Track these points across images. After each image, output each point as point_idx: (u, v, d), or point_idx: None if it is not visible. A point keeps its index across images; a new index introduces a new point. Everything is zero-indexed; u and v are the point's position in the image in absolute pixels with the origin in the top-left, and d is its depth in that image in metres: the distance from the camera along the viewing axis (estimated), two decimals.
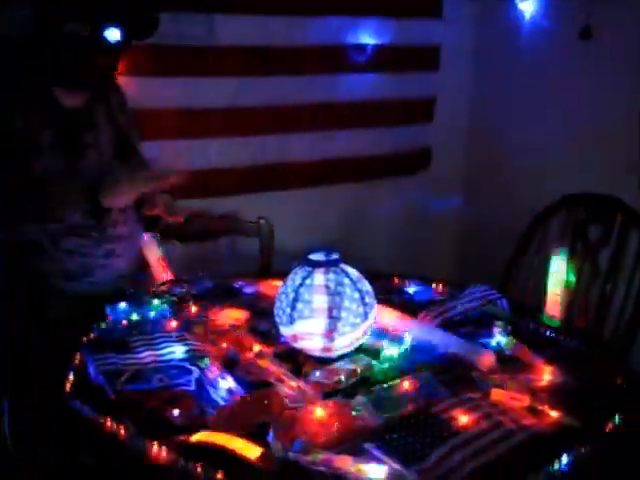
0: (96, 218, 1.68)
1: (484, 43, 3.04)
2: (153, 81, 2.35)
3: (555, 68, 2.74)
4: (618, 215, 2.03)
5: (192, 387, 1.28)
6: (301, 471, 1.05)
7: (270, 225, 2.21)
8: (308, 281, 1.37)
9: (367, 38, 2.80)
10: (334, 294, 1.35)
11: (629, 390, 1.32)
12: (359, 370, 1.34)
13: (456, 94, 3.09)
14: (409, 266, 2.12)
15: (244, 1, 2.50)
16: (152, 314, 1.58)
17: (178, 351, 1.39)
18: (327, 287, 1.35)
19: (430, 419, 1.17)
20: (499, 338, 1.47)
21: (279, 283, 1.47)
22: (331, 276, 1.36)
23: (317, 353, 1.38)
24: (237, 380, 1.30)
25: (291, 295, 1.37)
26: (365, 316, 1.37)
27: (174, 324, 1.54)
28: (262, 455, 1.07)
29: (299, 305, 1.36)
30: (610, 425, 1.19)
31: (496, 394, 1.25)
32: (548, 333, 1.56)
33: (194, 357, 1.37)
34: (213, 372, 1.32)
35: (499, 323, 1.50)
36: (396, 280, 1.83)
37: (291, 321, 1.36)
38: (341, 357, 1.38)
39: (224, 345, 1.45)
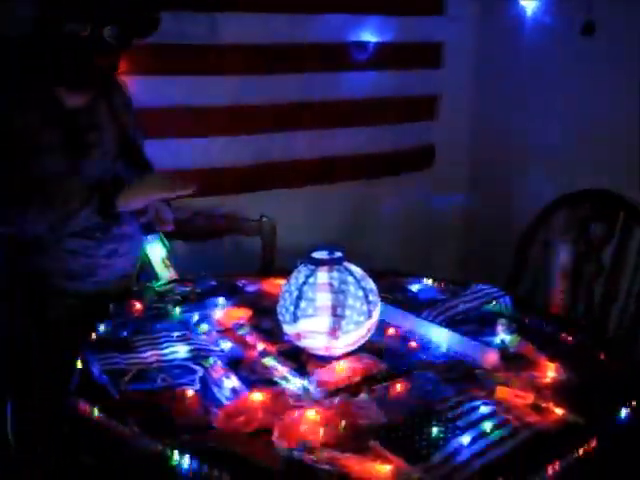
0: (105, 218, 1.68)
1: (487, 40, 3.03)
2: (155, 80, 2.35)
3: (558, 65, 2.73)
4: (621, 212, 2.03)
5: (196, 386, 1.28)
6: (306, 470, 1.05)
7: (272, 223, 2.21)
8: (312, 279, 1.36)
9: (370, 36, 2.79)
10: (338, 292, 1.35)
11: (634, 386, 1.31)
12: (363, 368, 1.34)
13: (459, 92, 3.08)
14: (411, 265, 2.12)
15: None
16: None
17: (182, 350, 1.40)
18: (331, 285, 1.35)
19: (434, 417, 1.17)
20: (503, 336, 1.47)
21: (282, 281, 1.47)
22: (335, 274, 1.36)
23: (321, 351, 1.38)
24: (241, 379, 1.30)
25: (295, 293, 1.37)
26: (369, 314, 1.37)
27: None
28: (267, 454, 1.07)
29: (303, 303, 1.36)
30: (615, 421, 1.19)
31: (500, 392, 1.25)
32: (552, 330, 1.56)
33: (198, 356, 1.37)
34: (217, 371, 1.32)
35: (503, 321, 1.50)
36: (400, 278, 1.83)
37: (295, 319, 1.36)
38: (345, 355, 1.38)
39: (228, 344, 1.45)
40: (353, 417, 1.18)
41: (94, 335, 1.48)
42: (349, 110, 2.83)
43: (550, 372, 1.33)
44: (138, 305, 1.63)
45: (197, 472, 1.05)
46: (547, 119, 2.81)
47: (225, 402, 1.23)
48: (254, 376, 1.33)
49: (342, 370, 1.33)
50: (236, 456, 1.07)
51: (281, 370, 1.33)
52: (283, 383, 1.29)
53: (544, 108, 2.82)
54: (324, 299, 1.34)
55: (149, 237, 1.89)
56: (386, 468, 1.05)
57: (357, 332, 1.36)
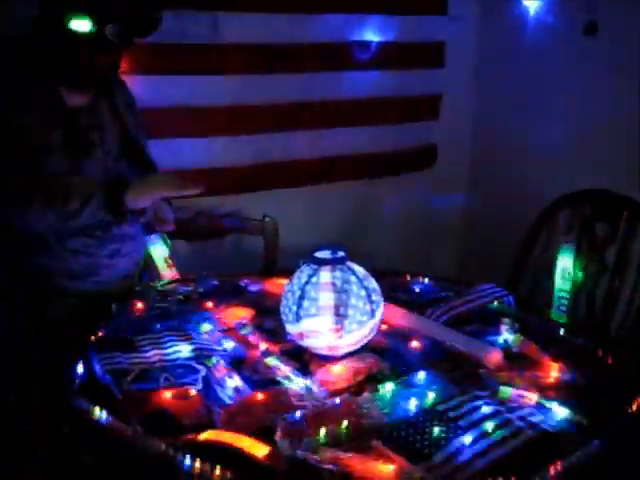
0: (115, 215, 1.67)
1: (489, 40, 3.02)
2: (156, 79, 2.34)
3: (559, 65, 2.73)
4: (624, 211, 2.02)
5: (199, 386, 1.28)
6: (309, 469, 1.05)
7: (274, 223, 2.21)
8: (314, 279, 1.36)
9: (371, 35, 2.78)
10: (340, 292, 1.34)
11: (638, 386, 1.31)
12: (366, 368, 1.34)
13: (460, 91, 3.08)
14: (412, 264, 2.12)
15: None
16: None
17: (184, 350, 1.39)
18: (334, 285, 1.35)
19: (437, 417, 1.17)
20: (506, 335, 1.47)
21: (284, 281, 1.47)
22: (337, 274, 1.36)
23: (324, 351, 1.38)
24: (244, 379, 1.30)
25: (297, 293, 1.37)
26: (372, 314, 1.36)
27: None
28: (270, 454, 1.06)
29: (305, 303, 1.35)
30: (618, 421, 1.19)
31: (504, 391, 1.24)
32: (556, 330, 1.56)
33: (200, 356, 1.37)
34: (220, 371, 1.32)
35: (506, 320, 1.50)
36: (403, 278, 1.83)
37: (297, 319, 1.36)
38: (348, 355, 1.38)
39: (230, 343, 1.44)
40: (356, 417, 1.18)
41: (97, 335, 1.48)
42: (350, 110, 2.82)
43: (553, 372, 1.33)
44: (140, 305, 1.62)
45: (199, 472, 1.04)
46: (548, 119, 2.81)
47: (228, 402, 1.23)
48: (257, 376, 1.32)
49: (345, 370, 1.33)
50: (239, 456, 1.07)
51: (284, 370, 1.33)
52: (286, 383, 1.29)
53: (545, 108, 2.82)
54: (327, 299, 1.34)
55: (151, 237, 1.89)
56: (388, 468, 1.04)
57: (360, 332, 1.36)
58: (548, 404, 1.22)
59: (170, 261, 1.88)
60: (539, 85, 2.82)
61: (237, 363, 1.37)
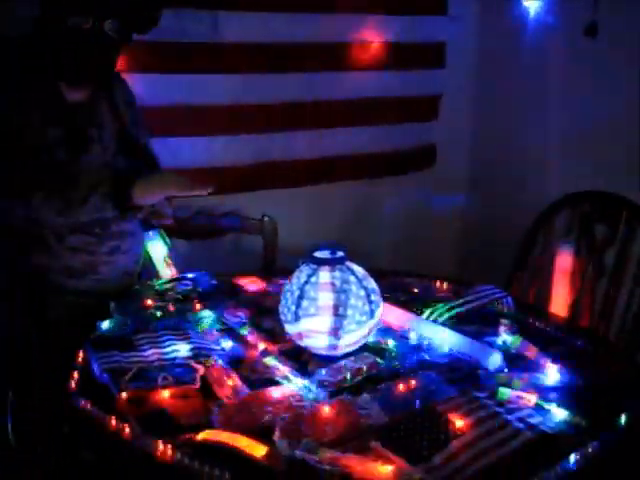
0: (122, 210, 1.67)
1: (489, 40, 3.02)
2: (156, 78, 2.34)
3: (560, 65, 2.73)
4: (623, 212, 2.02)
5: (197, 385, 1.27)
6: (307, 470, 1.04)
7: (274, 223, 2.20)
8: (313, 279, 1.36)
9: (372, 35, 2.78)
10: (340, 292, 1.34)
11: (637, 388, 1.31)
12: (365, 368, 1.34)
13: (460, 92, 3.08)
14: (411, 264, 2.12)
15: None
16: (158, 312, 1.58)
17: (183, 349, 1.39)
18: (333, 285, 1.35)
19: (436, 418, 1.17)
20: (505, 336, 1.46)
21: (284, 281, 1.46)
22: (337, 274, 1.36)
23: (322, 351, 1.38)
24: (242, 378, 1.30)
25: (296, 293, 1.37)
26: (371, 314, 1.36)
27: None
28: (268, 454, 1.06)
29: (304, 303, 1.35)
30: (617, 423, 1.19)
31: (503, 393, 1.24)
32: (554, 331, 1.55)
33: (199, 355, 1.37)
34: (218, 370, 1.31)
35: (505, 321, 1.50)
36: (402, 278, 1.83)
37: (296, 319, 1.36)
38: (347, 355, 1.38)
39: (229, 343, 1.44)
40: (354, 417, 1.17)
41: (95, 333, 1.48)
42: (350, 110, 2.82)
43: (552, 373, 1.33)
44: (139, 303, 1.62)
45: (198, 472, 1.04)
46: (548, 119, 2.81)
47: (226, 401, 1.23)
48: (255, 375, 1.32)
49: (344, 370, 1.33)
50: (237, 456, 1.07)
51: (282, 370, 1.32)
52: (284, 383, 1.29)
53: (545, 108, 2.81)
54: (326, 298, 1.34)
55: (150, 234, 1.89)
56: (387, 468, 1.04)
57: (359, 332, 1.36)
58: (547, 405, 1.22)
59: (169, 260, 1.88)
60: (539, 85, 2.82)
61: (235, 363, 1.37)
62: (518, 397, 1.23)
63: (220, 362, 1.35)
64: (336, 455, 1.06)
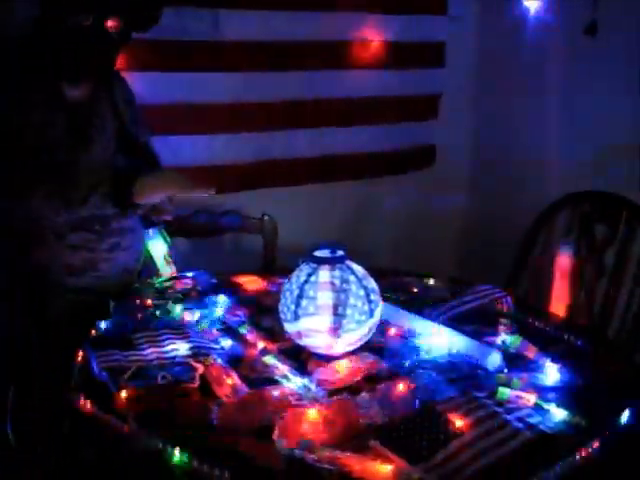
0: (123, 208, 1.66)
1: (489, 40, 3.02)
2: (156, 76, 2.34)
3: (560, 65, 2.73)
4: (623, 212, 2.02)
5: (196, 384, 1.27)
6: (306, 469, 1.04)
7: (274, 222, 2.20)
8: (313, 278, 1.36)
9: (372, 34, 2.78)
10: (339, 291, 1.34)
11: (636, 388, 1.31)
12: (364, 368, 1.33)
13: (460, 91, 3.08)
14: (411, 264, 2.11)
15: None
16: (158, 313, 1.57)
17: (182, 348, 1.39)
18: (332, 284, 1.34)
19: (435, 417, 1.17)
20: (504, 336, 1.46)
21: (283, 280, 1.46)
22: (336, 273, 1.36)
23: (322, 350, 1.37)
24: (241, 377, 1.30)
25: (296, 292, 1.37)
26: (370, 314, 1.36)
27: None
28: (267, 453, 1.06)
29: (304, 302, 1.35)
30: (617, 423, 1.18)
31: (502, 392, 1.24)
32: (554, 331, 1.55)
33: (198, 354, 1.37)
34: (217, 369, 1.31)
35: (504, 321, 1.50)
36: (402, 277, 1.83)
37: (296, 318, 1.36)
38: (346, 354, 1.37)
39: (228, 342, 1.44)
40: (354, 416, 1.17)
41: (94, 332, 1.48)
42: (350, 109, 2.82)
43: (552, 373, 1.32)
44: (139, 302, 1.62)
45: (197, 470, 1.04)
46: (548, 119, 2.81)
47: (225, 400, 1.23)
48: (254, 374, 1.32)
49: (343, 369, 1.33)
50: (236, 455, 1.07)
51: (282, 369, 1.32)
52: (284, 382, 1.29)
53: (545, 108, 2.81)
54: (325, 298, 1.34)
55: (150, 232, 1.88)
56: (387, 468, 1.04)
57: (358, 331, 1.35)
58: (546, 405, 1.21)
59: (169, 258, 1.88)
60: (539, 85, 2.81)
61: (235, 362, 1.36)
62: (517, 397, 1.23)
63: (219, 361, 1.35)
64: (335, 454, 1.06)
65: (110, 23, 1.59)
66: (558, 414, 1.20)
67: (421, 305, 1.61)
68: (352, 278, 1.36)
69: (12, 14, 1.90)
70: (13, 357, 1.57)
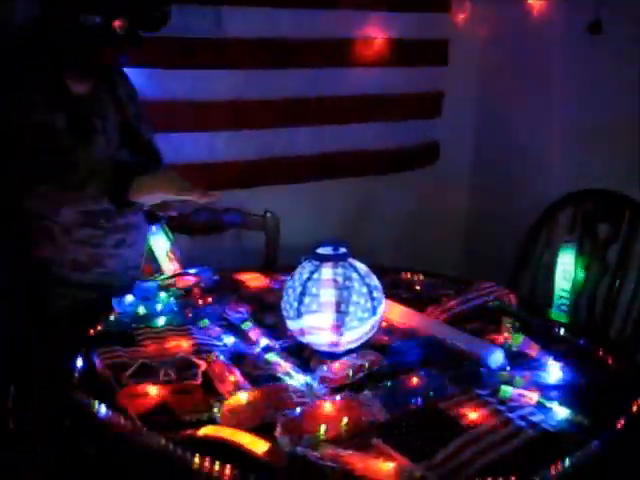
0: (119, 207, 1.67)
1: (492, 38, 3.01)
2: (158, 73, 2.34)
3: (563, 64, 2.73)
4: (626, 211, 2.02)
5: (199, 381, 1.27)
6: (309, 466, 1.04)
7: (276, 219, 2.20)
8: (316, 275, 1.36)
9: (375, 32, 2.78)
10: (342, 288, 1.34)
11: (638, 387, 1.31)
12: (367, 365, 1.33)
13: (464, 89, 3.07)
14: (412, 262, 2.12)
15: None
16: (159, 307, 1.57)
17: (185, 345, 1.39)
18: (335, 281, 1.34)
19: (438, 415, 1.17)
20: (507, 334, 1.46)
21: (286, 277, 1.46)
22: (339, 270, 1.36)
23: (324, 348, 1.37)
24: (244, 374, 1.29)
25: (298, 289, 1.37)
26: (373, 311, 1.36)
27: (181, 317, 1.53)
28: (270, 450, 1.06)
29: (306, 299, 1.35)
30: (619, 422, 1.18)
31: (504, 391, 1.24)
32: (557, 329, 1.55)
33: (201, 351, 1.37)
34: (220, 366, 1.31)
35: (507, 319, 1.50)
36: (404, 275, 1.82)
37: (298, 315, 1.36)
38: (348, 352, 1.37)
39: (231, 339, 1.44)
40: (356, 414, 1.17)
41: (97, 328, 1.48)
42: (353, 106, 2.82)
43: (554, 372, 1.32)
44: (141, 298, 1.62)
45: (199, 467, 1.04)
46: (550, 118, 2.80)
47: (227, 397, 1.23)
48: (257, 372, 1.32)
49: (345, 367, 1.33)
50: (239, 452, 1.07)
51: (284, 366, 1.32)
52: (286, 379, 1.29)
53: (547, 107, 2.81)
54: (328, 295, 1.34)
55: (153, 229, 1.88)
56: (389, 465, 1.04)
57: (361, 329, 1.35)
58: (549, 404, 1.21)
59: (172, 255, 1.88)
60: (542, 84, 2.81)
61: (237, 359, 1.36)
62: (520, 395, 1.23)
63: (222, 358, 1.34)
64: (338, 452, 1.05)
65: (117, 23, 1.59)
66: (560, 412, 1.20)
67: (423, 303, 1.61)
68: (355, 275, 1.36)
69: (12, 14, 1.90)
70: (13, 357, 1.57)
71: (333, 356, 1.36)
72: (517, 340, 1.44)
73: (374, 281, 1.40)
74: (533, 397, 1.23)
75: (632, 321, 1.94)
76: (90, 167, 1.66)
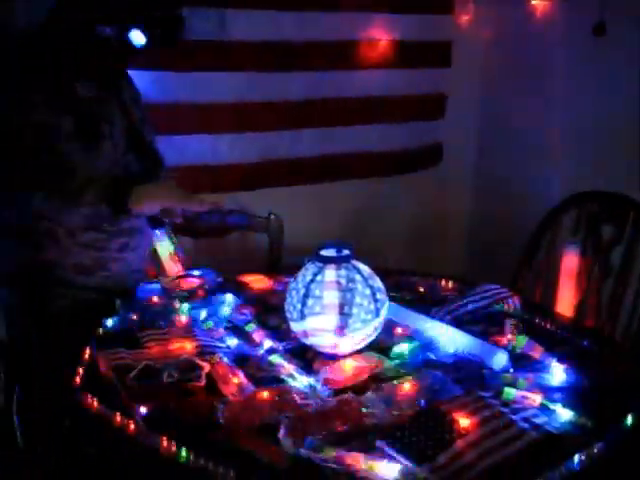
0: (116, 213, 1.67)
1: (495, 40, 3.02)
2: (162, 75, 2.34)
3: (565, 66, 2.73)
4: (630, 213, 2.02)
5: (202, 383, 1.27)
6: (312, 468, 1.04)
7: (280, 221, 2.20)
8: (319, 277, 1.36)
9: (378, 34, 2.78)
10: (345, 290, 1.34)
11: None
12: (370, 367, 1.33)
13: (467, 91, 3.08)
14: (417, 263, 2.12)
15: None
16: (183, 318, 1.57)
17: (188, 346, 1.39)
18: (338, 283, 1.34)
19: (441, 417, 1.16)
20: (511, 336, 1.46)
21: (289, 279, 1.46)
22: (342, 272, 1.36)
23: (328, 349, 1.37)
24: (247, 376, 1.30)
25: (302, 291, 1.37)
26: (376, 313, 1.36)
27: (184, 319, 1.54)
28: (273, 452, 1.06)
29: (310, 301, 1.35)
30: (623, 424, 1.18)
31: (508, 392, 1.24)
32: (560, 331, 1.55)
33: (204, 353, 1.37)
34: (223, 368, 1.31)
35: (511, 321, 1.49)
36: (407, 277, 1.82)
37: (302, 317, 1.36)
38: (352, 354, 1.37)
39: (234, 341, 1.44)
40: (359, 416, 1.17)
41: (101, 330, 1.48)
42: (356, 108, 2.82)
43: (558, 373, 1.32)
44: (145, 300, 1.62)
45: (202, 469, 1.04)
46: (552, 119, 2.80)
47: (231, 399, 1.23)
48: (260, 373, 1.32)
49: (349, 368, 1.33)
50: (242, 453, 1.07)
51: (287, 368, 1.32)
52: (289, 381, 1.29)
53: (549, 108, 2.81)
54: (331, 297, 1.34)
55: (157, 232, 1.89)
56: (392, 467, 1.04)
57: (364, 330, 1.35)
58: (552, 406, 1.21)
59: (176, 257, 1.88)
60: (545, 85, 2.81)
61: (241, 360, 1.37)
62: (523, 397, 1.23)
63: (225, 360, 1.35)
64: (341, 454, 1.06)
65: (134, 35, 1.60)
66: (564, 414, 1.19)
67: (427, 304, 1.61)
68: (358, 277, 1.36)
69: (12, 14, 1.90)
70: (13, 357, 1.57)
71: (336, 358, 1.37)
72: (521, 342, 1.44)
73: (377, 283, 1.40)
74: (536, 399, 1.23)
75: (636, 324, 1.93)
76: (88, 174, 1.67)
